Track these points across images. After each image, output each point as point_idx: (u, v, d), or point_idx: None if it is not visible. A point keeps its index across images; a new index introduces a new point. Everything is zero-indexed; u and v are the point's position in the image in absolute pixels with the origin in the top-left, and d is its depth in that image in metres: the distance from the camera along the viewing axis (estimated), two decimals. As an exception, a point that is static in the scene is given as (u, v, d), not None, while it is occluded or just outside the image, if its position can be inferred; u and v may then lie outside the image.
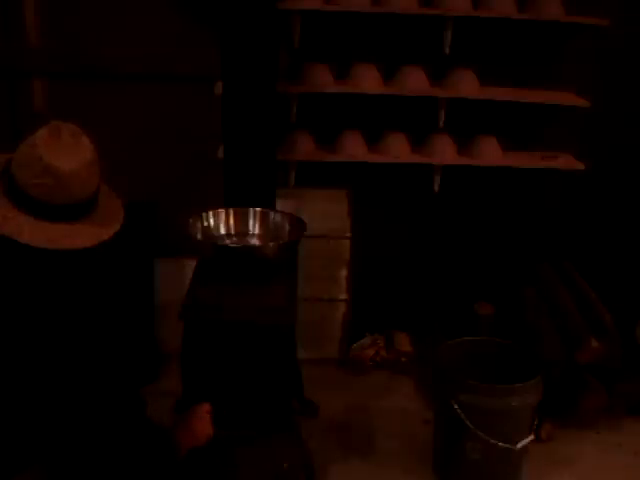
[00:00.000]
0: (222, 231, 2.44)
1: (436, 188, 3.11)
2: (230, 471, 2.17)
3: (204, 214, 2.41)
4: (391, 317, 3.33)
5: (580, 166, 3.05)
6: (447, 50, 2.92)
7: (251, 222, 2.47)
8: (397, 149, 3.04)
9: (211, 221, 2.42)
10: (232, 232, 2.44)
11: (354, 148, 3.04)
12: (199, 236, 2.33)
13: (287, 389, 2.26)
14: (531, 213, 3.30)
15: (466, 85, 2.98)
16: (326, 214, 3.05)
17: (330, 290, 3.17)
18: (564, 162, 3.09)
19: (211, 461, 2.17)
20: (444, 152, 3.05)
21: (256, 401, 2.17)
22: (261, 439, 2.18)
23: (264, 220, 2.46)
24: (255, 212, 2.47)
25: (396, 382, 3.13)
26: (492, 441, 2.32)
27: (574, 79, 3.07)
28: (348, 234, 3.13)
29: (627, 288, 3.13)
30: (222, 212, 2.44)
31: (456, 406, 2.34)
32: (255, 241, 2.43)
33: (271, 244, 2.35)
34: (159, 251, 3.03)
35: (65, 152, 1.53)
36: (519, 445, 2.36)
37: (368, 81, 2.96)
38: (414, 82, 2.97)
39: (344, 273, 3.17)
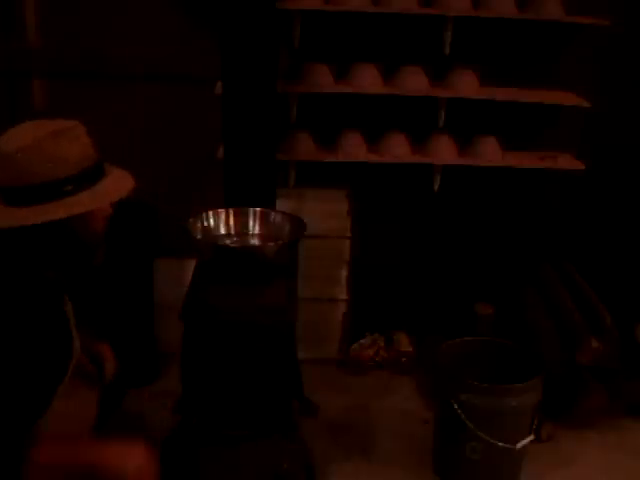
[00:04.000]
0: (222, 231, 2.43)
1: (436, 188, 3.11)
2: (230, 471, 2.17)
3: (204, 214, 2.40)
4: (391, 317, 3.34)
5: (580, 166, 3.05)
6: (447, 50, 2.92)
7: (251, 222, 2.46)
8: (397, 149, 3.05)
9: (211, 221, 2.41)
10: (232, 232, 2.44)
11: (354, 148, 3.04)
12: (199, 236, 2.33)
13: (287, 389, 2.26)
14: (531, 213, 3.29)
15: (466, 85, 2.99)
16: (326, 214, 3.04)
17: (330, 290, 3.17)
18: (564, 162, 3.09)
19: (211, 461, 2.17)
20: (444, 152, 3.05)
21: (256, 401, 2.17)
22: (261, 439, 2.18)
23: (264, 220, 2.46)
24: (255, 212, 2.46)
25: (396, 382, 3.12)
26: (492, 441, 2.32)
27: (574, 79, 3.07)
28: (348, 234, 3.12)
29: (627, 288, 3.13)
30: (222, 212, 2.44)
31: (456, 406, 2.34)
32: (255, 241, 2.43)
33: (271, 244, 2.34)
34: (159, 251, 3.03)
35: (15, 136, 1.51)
36: (519, 445, 2.35)
37: (368, 81, 2.96)
38: (414, 82, 2.97)
39: (344, 273, 3.16)
